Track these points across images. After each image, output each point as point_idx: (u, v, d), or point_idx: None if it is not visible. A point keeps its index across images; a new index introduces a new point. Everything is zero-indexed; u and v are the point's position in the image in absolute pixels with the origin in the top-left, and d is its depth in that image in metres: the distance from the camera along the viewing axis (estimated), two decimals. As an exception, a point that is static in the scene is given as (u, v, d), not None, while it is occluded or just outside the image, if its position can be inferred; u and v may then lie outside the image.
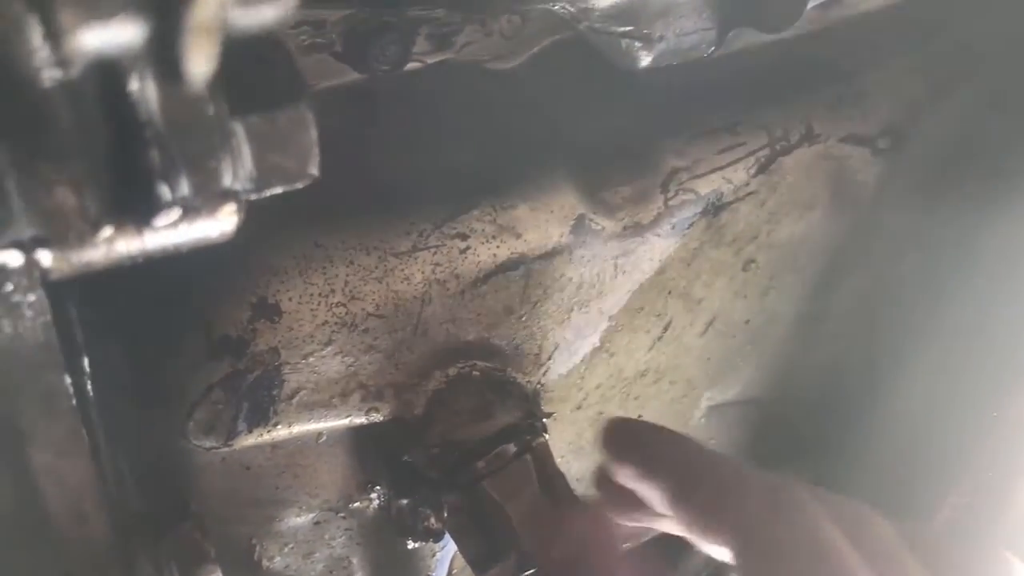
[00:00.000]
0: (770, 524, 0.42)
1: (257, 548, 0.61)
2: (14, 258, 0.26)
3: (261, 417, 0.50)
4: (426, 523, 0.59)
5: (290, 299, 0.48)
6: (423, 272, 0.51)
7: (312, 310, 0.48)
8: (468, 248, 0.51)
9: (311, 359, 0.50)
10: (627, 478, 0.49)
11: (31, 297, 0.28)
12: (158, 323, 0.48)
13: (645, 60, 0.50)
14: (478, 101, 0.58)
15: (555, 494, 0.54)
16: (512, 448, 0.53)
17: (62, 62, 0.20)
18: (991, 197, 0.73)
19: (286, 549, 0.62)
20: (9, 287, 0.26)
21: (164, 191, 0.26)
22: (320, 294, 0.48)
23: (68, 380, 0.36)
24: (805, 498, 0.44)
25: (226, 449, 0.52)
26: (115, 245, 0.28)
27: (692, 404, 0.75)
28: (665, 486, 0.47)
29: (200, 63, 0.18)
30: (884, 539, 0.46)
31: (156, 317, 0.48)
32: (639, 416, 0.72)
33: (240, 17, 0.18)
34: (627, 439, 0.50)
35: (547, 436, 0.56)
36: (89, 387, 0.37)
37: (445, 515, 0.53)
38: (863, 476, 0.92)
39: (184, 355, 0.48)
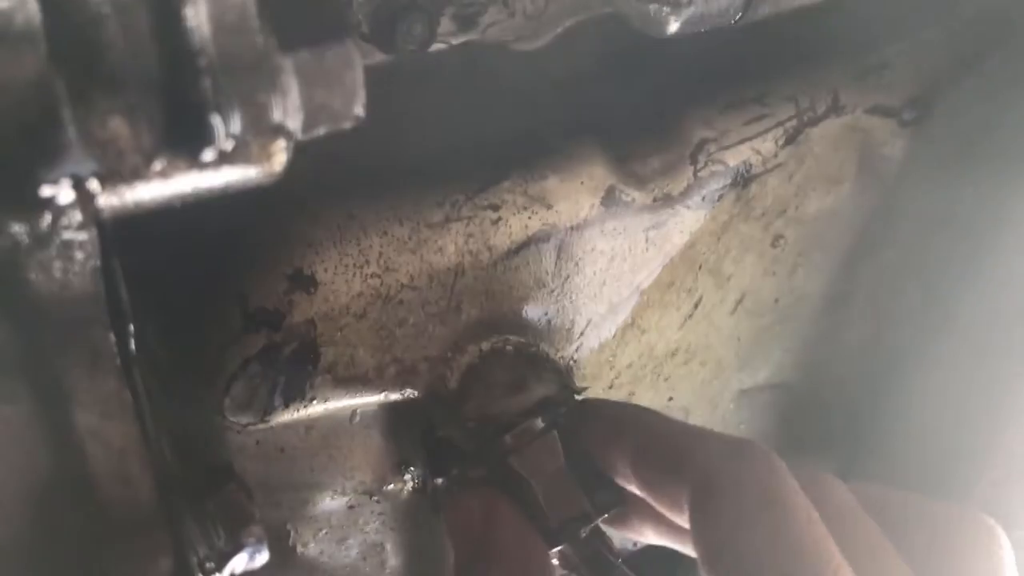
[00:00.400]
0: (729, 473, 0.41)
1: (292, 534, 0.60)
2: (67, 191, 0.26)
3: (298, 392, 0.50)
4: (461, 502, 0.58)
5: (325, 270, 0.48)
6: (456, 243, 0.50)
7: (347, 281, 0.48)
8: (500, 219, 0.51)
9: (347, 331, 0.49)
10: (595, 449, 0.49)
11: (82, 236, 0.28)
12: (193, 296, 0.48)
13: (673, 26, 0.50)
14: (504, 80, 0.59)
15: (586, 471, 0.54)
16: (539, 423, 0.52)
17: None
18: (1019, 172, 0.73)
19: (320, 534, 0.61)
20: (63, 222, 0.26)
21: (216, 122, 0.26)
22: (355, 265, 0.48)
23: (113, 338, 0.36)
24: (765, 451, 0.43)
25: (262, 426, 0.51)
26: (167, 180, 0.28)
27: (722, 387, 0.75)
28: (626, 450, 0.47)
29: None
30: (843, 503, 0.45)
31: (191, 290, 0.48)
32: (669, 399, 0.71)
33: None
34: (591, 414, 0.51)
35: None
36: (132, 347, 0.37)
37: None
38: (894, 460, 0.92)
39: (220, 328, 0.48)
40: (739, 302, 0.68)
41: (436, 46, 0.58)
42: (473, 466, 0.52)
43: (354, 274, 0.48)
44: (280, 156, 0.29)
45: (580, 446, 0.51)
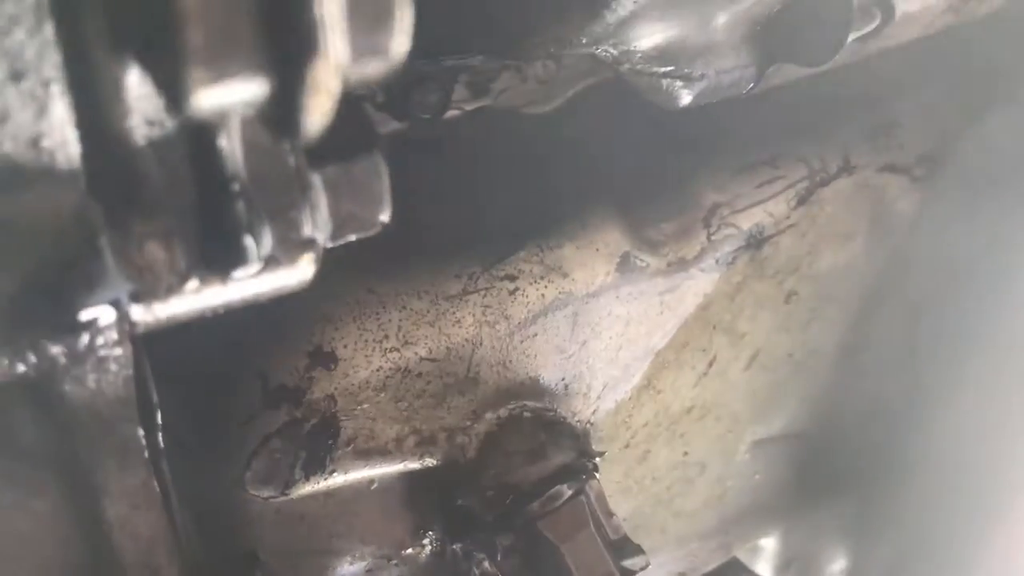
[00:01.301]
0: None
1: (311, 599, 0.61)
2: (107, 314, 0.27)
3: (318, 465, 0.50)
4: (481, 567, 0.58)
5: (345, 346, 0.48)
6: (474, 315, 0.51)
7: (367, 356, 0.49)
8: (517, 289, 0.52)
9: (366, 405, 0.50)
10: None
11: (117, 351, 0.29)
12: (214, 375, 0.49)
13: (686, 99, 0.50)
14: (517, 145, 0.59)
15: (609, 535, 0.54)
16: (566, 489, 0.53)
17: (180, 117, 0.21)
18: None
19: (339, 598, 0.61)
20: (100, 341, 0.27)
21: (249, 242, 0.27)
22: (374, 340, 0.49)
23: (142, 433, 0.36)
24: None
25: (282, 498, 0.52)
26: (200, 296, 0.29)
27: (737, 439, 0.75)
28: None
29: (317, 117, 0.19)
30: None
31: (212, 369, 0.49)
32: (685, 453, 0.71)
33: (353, 72, 0.19)
34: None
35: (599, 476, 0.56)
36: (160, 439, 0.37)
37: (499, 558, 0.53)
38: (910, 509, 0.91)
39: (241, 405, 0.48)
40: (753, 358, 0.68)
41: (450, 113, 0.59)
42: (499, 533, 0.52)
43: (373, 349, 0.49)
44: (309, 267, 0.30)
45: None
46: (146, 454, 0.37)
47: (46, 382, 0.29)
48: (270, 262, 0.29)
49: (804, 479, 0.86)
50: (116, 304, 0.27)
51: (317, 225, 0.29)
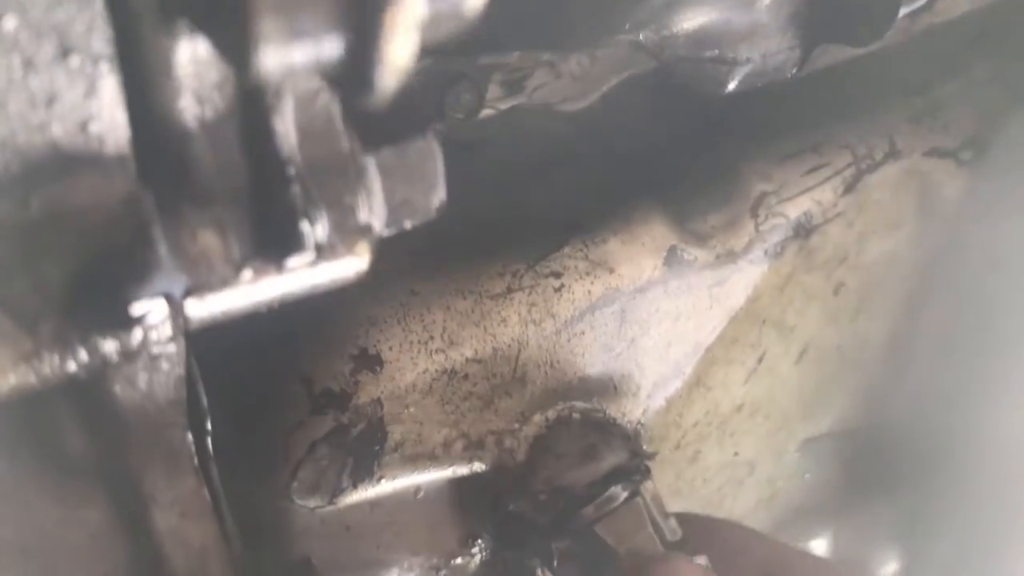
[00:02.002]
0: None
1: (359, 613, 0.59)
2: (160, 308, 0.26)
3: (365, 472, 0.49)
4: (535, 574, 0.57)
5: (390, 348, 0.47)
6: (519, 313, 0.50)
7: (412, 358, 0.47)
8: (562, 286, 0.50)
9: (413, 409, 0.49)
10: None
11: (170, 348, 0.28)
12: (259, 381, 0.47)
13: (731, 84, 0.49)
14: (555, 142, 0.58)
15: (667, 537, 0.52)
16: (621, 491, 0.51)
17: (244, 82, 0.20)
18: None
19: (388, 611, 0.60)
20: (152, 337, 0.26)
21: (305, 227, 0.26)
22: (420, 341, 0.47)
23: (191, 439, 0.35)
24: None
25: (329, 508, 0.50)
26: (255, 288, 0.27)
27: (787, 438, 0.73)
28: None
29: (391, 74, 0.18)
30: None
31: (257, 375, 0.48)
32: (735, 453, 0.70)
33: (428, 28, 0.18)
34: (702, 534, 0.51)
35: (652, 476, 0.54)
36: (210, 445, 0.36)
37: (555, 563, 0.51)
38: (966, 508, 0.89)
39: (287, 412, 0.47)
40: (803, 352, 0.66)
41: (484, 112, 0.58)
42: (557, 538, 0.51)
43: (419, 351, 0.48)
44: (365, 255, 0.29)
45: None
46: (195, 461, 0.36)
47: (96, 383, 0.28)
48: (325, 250, 0.28)
49: (855, 478, 0.84)
50: (169, 297, 0.25)
51: (373, 210, 0.28)
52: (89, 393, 0.29)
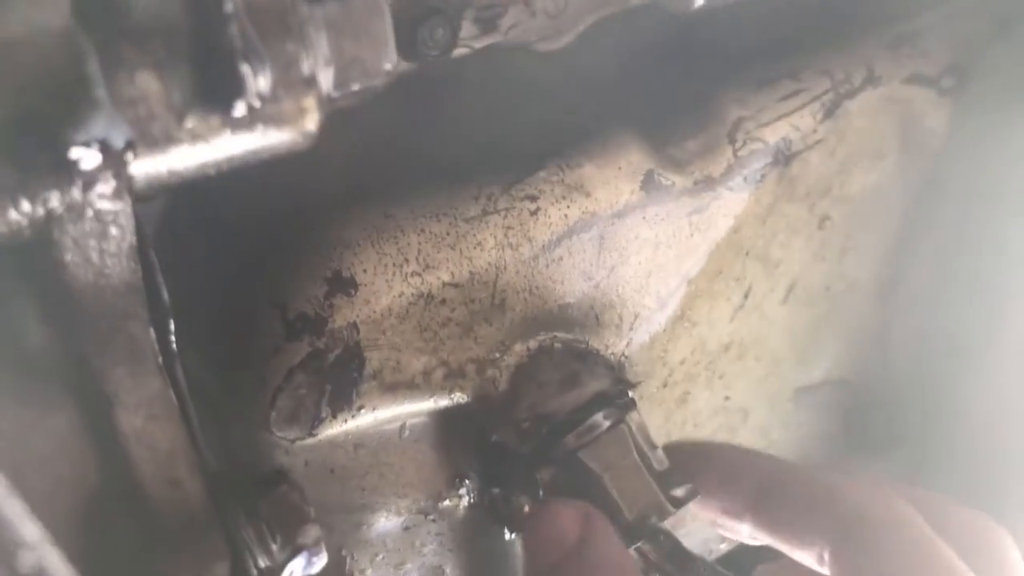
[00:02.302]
0: (866, 527, 0.42)
1: (348, 560, 0.58)
2: (99, 154, 0.25)
3: (345, 400, 0.48)
4: (521, 513, 0.56)
5: (364, 271, 0.47)
6: (495, 236, 0.49)
7: (387, 281, 0.47)
8: (538, 210, 0.50)
9: (390, 334, 0.48)
10: (708, 491, 0.49)
11: (117, 207, 0.27)
12: (231, 309, 0.47)
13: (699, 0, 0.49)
14: (531, 79, 0.58)
15: (654, 467, 0.52)
16: (604, 419, 0.51)
17: None
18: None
19: (377, 559, 0.59)
20: (96, 191, 0.25)
21: (246, 71, 0.26)
22: (394, 264, 0.47)
23: (153, 335, 0.35)
24: (897, 498, 0.43)
25: (311, 443, 0.50)
26: (199, 142, 0.27)
27: (779, 384, 0.72)
28: (742, 494, 0.47)
29: None
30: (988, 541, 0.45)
31: (228, 303, 0.47)
32: (726, 398, 0.69)
33: None
34: (693, 458, 0.50)
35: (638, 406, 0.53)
36: (174, 345, 0.36)
37: (540, 494, 0.51)
38: (966, 460, 0.88)
39: (261, 339, 0.47)
40: (790, 290, 0.66)
41: (459, 51, 0.57)
42: (539, 467, 0.50)
43: (394, 274, 0.47)
44: (313, 114, 0.28)
45: None
46: (159, 360, 0.36)
47: (45, 244, 0.28)
48: (271, 104, 0.27)
49: (852, 431, 0.83)
50: (108, 144, 0.25)
51: (319, 64, 0.27)
52: (40, 264, 0.29)
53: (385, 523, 0.57)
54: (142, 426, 0.36)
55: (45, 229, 0.26)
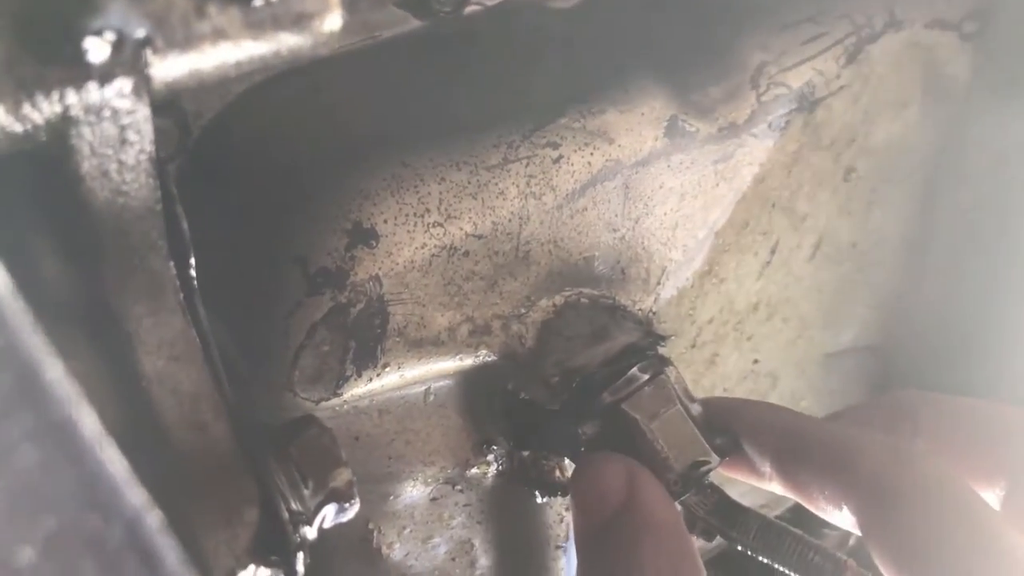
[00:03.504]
0: (895, 480, 0.41)
1: (375, 533, 0.57)
2: (108, 47, 0.24)
3: (369, 357, 0.47)
4: (551, 476, 0.54)
5: (385, 221, 0.45)
6: (517, 185, 0.48)
7: (409, 232, 0.46)
8: (561, 157, 0.49)
9: (414, 288, 0.47)
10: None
11: (135, 109, 0.26)
12: (250, 265, 0.46)
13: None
14: (548, 34, 0.57)
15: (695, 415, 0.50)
16: (643, 369, 0.49)
17: None
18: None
19: (404, 532, 0.58)
20: (113, 89, 0.24)
21: (266, -46, 0.24)
22: (415, 214, 0.46)
23: (174, 270, 0.34)
24: (922, 457, 0.42)
25: (335, 404, 0.48)
26: (219, 42, 0.26)
27: (808, 347, 0.71)
28: (770, 454, 0.46)
29: None
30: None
31: (247, 259, 0.46)
32: (755, 361, 0.67)
33: None
34: (721, 414, 0.49)
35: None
36: (195, 283, 0.34)
37: (582, 449, 0.49)
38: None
39: (282, 295, 0.45)
40: (817, 247, 0.64)
41: (471, 7, 0.56)
42: (581, 422, 0.48)
43: (415, 224, 0.46)
44: (336, 12, 0.27)
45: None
46: (180, 297, 0.34)
47: (62, 153, 0.26)
48: (293, 1, 0.26)
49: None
50: (123, 35, 0.24)
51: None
52: (57, 177, 0.27)
53: (412, 493, 0.56)
54: (164, 368, 0.34)
55: (62, 131, 0.25)
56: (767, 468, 0.47)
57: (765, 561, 0.48)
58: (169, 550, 0.19)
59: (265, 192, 0.46)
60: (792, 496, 0.47)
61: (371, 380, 0.48)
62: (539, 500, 0.55)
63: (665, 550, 0.43)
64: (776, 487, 0.48)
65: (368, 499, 0.55)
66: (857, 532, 0.43)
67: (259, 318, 0.46)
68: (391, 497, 0.56)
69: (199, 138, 0.51)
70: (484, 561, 0.61)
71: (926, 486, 0.40)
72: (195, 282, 0.34)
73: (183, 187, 0.48)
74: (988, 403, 0.47)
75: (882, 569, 0.42)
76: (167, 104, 0.50)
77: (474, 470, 0.57)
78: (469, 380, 0.53)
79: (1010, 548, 0.38)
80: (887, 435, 0.44)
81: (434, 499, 0.57)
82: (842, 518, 0.44)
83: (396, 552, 0.58)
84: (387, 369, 0.48)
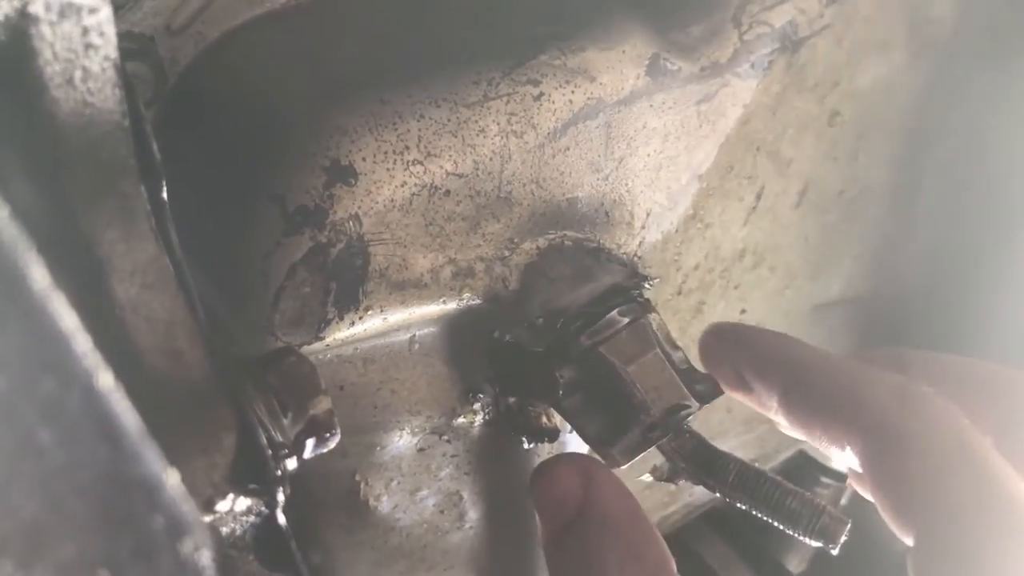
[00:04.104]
0: (901, 421, 0.40)
1: (362, 486, 0.56)
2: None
3: (351, 300, 0.46)
4: (538, 422, 0.54)
5: (364, 159, 0.45)
6: (498, 123, 0.47)
7: (388, 170, 0.45)
8: (542, 95, 0.48)
9: (394, 228, 0.46)
10: (732, 383, 0.47)
11: (100, 9, 0.25)
12: (227, 205, 0.45)
13: None
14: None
15: (677, 366, 0.50)
16: (623, 313, 0.48)
17: None
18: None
19: (392, 484, 0.57)
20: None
21: None
22: (394, 151, 0.45)
23: (144, 193, 0.33)
24: (929, 396, 0.41)
25: (318, 349, 0.48)
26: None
27: (795, 298, 0.70)
28: (777, 388, 0.45)
29: None
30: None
31: (224, 197, 0.45)
32: (742, 311, 0.67)
33: None
34: (729, 341, 0.48)
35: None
36: (167, 208, 0.34)
37: (560, 393, 0.49)
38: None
39: (261, 236, 0.45)
40: (802, 193, 0.64)
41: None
42: (558, 366, 0.48)
43: (395, 162, 0.45)
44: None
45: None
46: (152, 223, 0.34)
47: (23, 55, 0.26)
48: None
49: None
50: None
51: None
52: (20, 80, 0.27)
53: (399, 444, 0.55)
54: (138, 295, 0.33)
55: (21, 28, 0.24)
56: (774, 401, 0.47)
57: (743, 508, 0.48)
58: (130, 420, 0.18)
59: (242, 133, 0.46)
60: (796, 432, 0.46)
61: (353, 324, 0.47)
62: (526, 446, 0.54)
63: (625, 543, 0.43)
64: (780, 420, 0.47)
65: (354, 450, 0.55)
66: (859, 470, 0.43)
67: (238, 260, 0.46)
68: (377, 448, 0.55)
69: (175, 84, 0.50)
70: (473, 514, 0.61)
71: (933, 428, 0.40)
72: (167, 207, 0.33)
73: (161, 134, 0.47)
74: (976, 361, 0.47)
75: (881, 511, 0.42)
76: (142, 50, 0.49)
77: (461, 419, 0.56)
78: (454, 327, 0.53)
79: (1016, 496, 0.37)
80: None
81: (421, 450, 0.57)
82: (845, 458, 0.44)
83: (384, 505, 0.57)
84: (369, 312, 0.47)
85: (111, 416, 0.18)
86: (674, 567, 0.43)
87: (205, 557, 0.19)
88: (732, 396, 0.48)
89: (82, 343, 0.18)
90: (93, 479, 0.17)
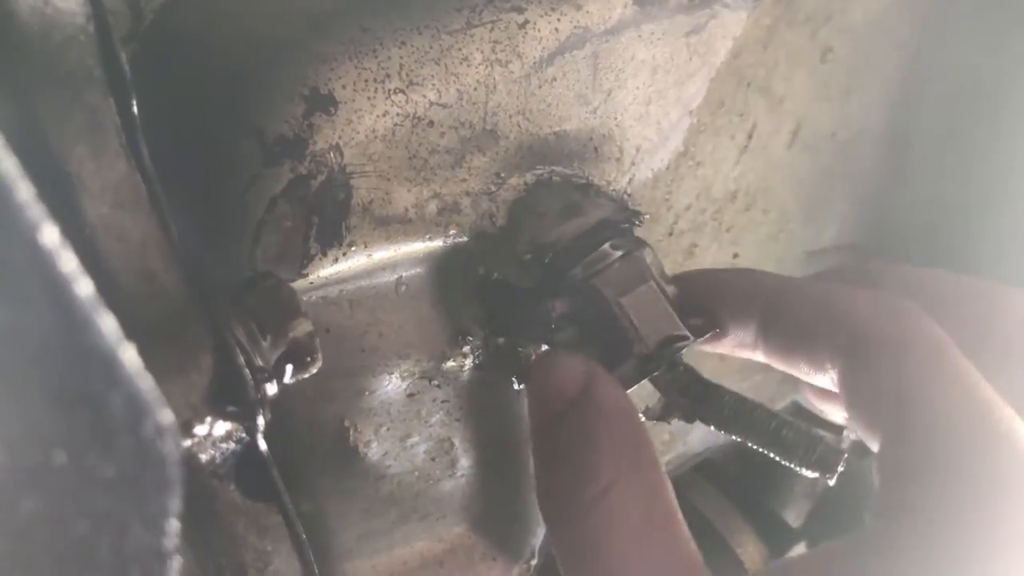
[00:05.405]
0: (875, 332, 0.39)
1: (351, 431, 0.55)
2: None
3: (334, 234, 0.45)
4: (528, 362, 0.53)
5: (344, 87, 0.43)
6: (482, 51, 0.46)
7: (369, 98, 0.44)
8: (527, 22, 0.47)
9: (377, 160, 0.45)
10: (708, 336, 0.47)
11: None
12: (204, 137, 0.44)
13: None
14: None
15: (669, 295, 0.49)
16: (616, 246, 0.48)
17: None
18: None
19: (382, 430, 0.56)
20: None
21: None
22: (375, 79, 0.44)
23: (114, 107, 0.32)
24: (909, 310, 0.40)
25: (302, 287, 0.47)
26: None
27: (789, 243, 0.69)
28: (753, 322, 0.45)
29: None
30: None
31: (201, 134, 0.44)
32: (735, 255, 0.66)
33: None
34: (698, 286, 0.48)
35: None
36: (138, 125, 0.32)
37: (552, 327, 0.48)
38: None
39: (239, 168, 0.43)
40: (795, 133, 0.63)
41: None
42: (550, 300, 0.47)
43: (376, 90, 0.44)
44: None
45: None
46: (123, 140, 0.33)
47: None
48: None
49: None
50: None
51: None
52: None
53: (387, 389, 0.54)
54: (109, 214, 0.32)
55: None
56: (751, 336, 0.46)
57: (738, 439, 0.47)
58: (82, 285, 0.17)
59: (219, 64, 0.44)
60: (779, 364, 0.46)
61: (337, 260, 0.46)
62: (516, 387, 0.54)
63: (620, 435, 0.42)
64: (760, 355, 0.47)
65: (342, 395, 0.54)
66: (837, 390, 0.42)
67: (216, 194, 0.44)
68: (366, 393, 0.54)
69: (152, 21, 0.49)
70: (465, 461, 0.60)
71: (906, 337, 0.39)
72: (138, 123, 0.32)
73: (137, 73, 0.46)
74: (950, 273, 0.46)
75: (856, 425, 0.41)
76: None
77: (450, 363, 0.55)
78: (441, 268, 0.52)
79: (987, 399, 0.37)
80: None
81: (411, 395, 0.56)
82: (827, 381, 0.43)
83: (373, 451, 0.56)
84: (353, 249, 0.46)
85: (58, 277, 0.17)
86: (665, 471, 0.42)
87: (168, 443, 0.18)
88: (713, 350, 0.47)
89: (23, 192, 0.17)
90: (41, 347, 0.16)
